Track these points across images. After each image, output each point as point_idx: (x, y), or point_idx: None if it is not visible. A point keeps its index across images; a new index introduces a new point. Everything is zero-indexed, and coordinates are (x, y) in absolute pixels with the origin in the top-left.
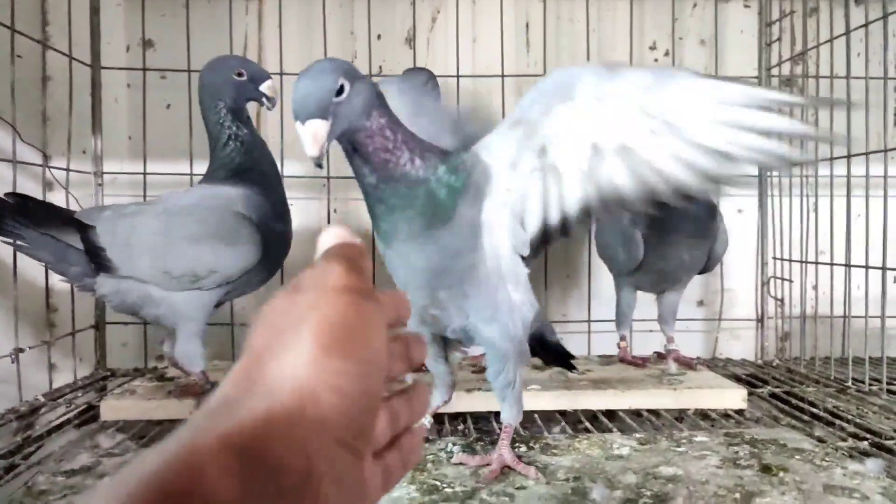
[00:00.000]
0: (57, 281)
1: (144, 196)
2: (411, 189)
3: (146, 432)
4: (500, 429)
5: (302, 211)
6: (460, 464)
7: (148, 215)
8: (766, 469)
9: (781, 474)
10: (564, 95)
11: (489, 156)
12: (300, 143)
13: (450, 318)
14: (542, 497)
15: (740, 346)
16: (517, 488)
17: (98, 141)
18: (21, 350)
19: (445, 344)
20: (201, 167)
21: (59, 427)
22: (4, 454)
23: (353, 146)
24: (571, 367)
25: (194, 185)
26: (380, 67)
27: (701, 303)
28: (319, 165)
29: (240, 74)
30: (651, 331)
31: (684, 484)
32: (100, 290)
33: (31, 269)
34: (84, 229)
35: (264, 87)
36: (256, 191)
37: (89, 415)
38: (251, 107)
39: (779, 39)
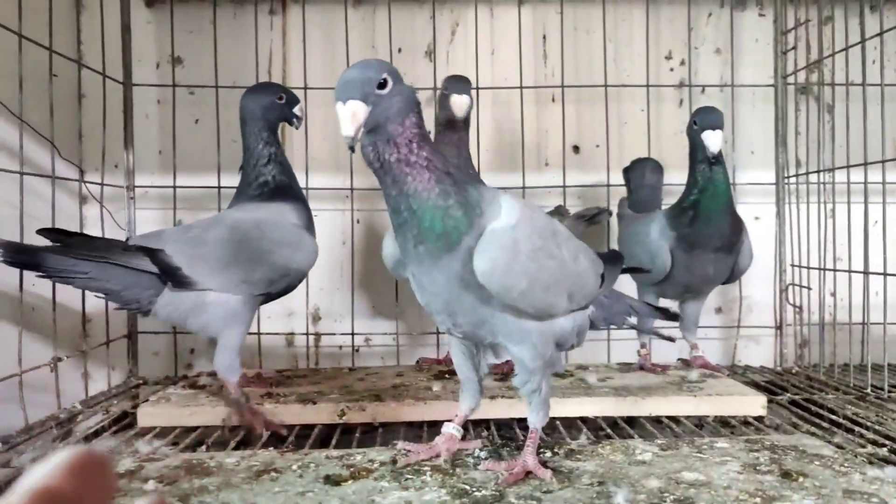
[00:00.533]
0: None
1: (174, 209)
2: (420, 208)
3: (181, 439)
4: (524, 434)
5: (327, 221)
6: (488, 470)
7: (218, 233)
8: (786, 475)
9: (801, 479)
10: None
11: (506, 199)
12: (338, 123)
13: (480, 337)
14: (568, 501)
15: (759, 353)
16: (544, 492)
17: (130, 155)
18: (59, 359)
19: (476, 349)
20: (228, 180)
21: (97, 434)
22: None
23: (377, 155)
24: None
25: (245, 203)
26: None
27: (719, 310)
28: (352, 149)
29: (280, 98)
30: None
31: (706, 489)
32: (156, 304)
33: None
34: (152, 253)
35: (296, 109)
36: (298, 204)
37: (125, 421)
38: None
39: (794, 48)
